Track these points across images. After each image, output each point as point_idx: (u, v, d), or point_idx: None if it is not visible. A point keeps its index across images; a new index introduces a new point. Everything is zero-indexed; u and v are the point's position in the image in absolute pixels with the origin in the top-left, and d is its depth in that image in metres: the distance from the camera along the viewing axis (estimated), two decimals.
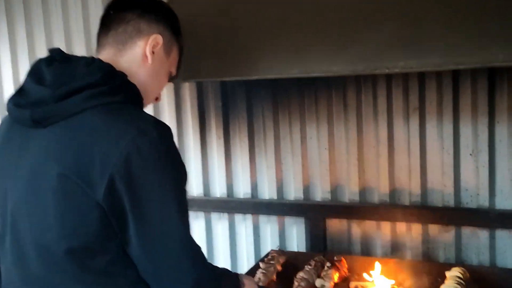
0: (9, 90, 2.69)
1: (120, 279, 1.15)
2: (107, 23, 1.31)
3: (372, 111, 2.18)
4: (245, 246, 2.46)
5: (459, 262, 2.09)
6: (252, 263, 2.32)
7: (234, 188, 2.46)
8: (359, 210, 2.24)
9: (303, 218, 2.34)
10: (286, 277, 2.05)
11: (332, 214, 2.29)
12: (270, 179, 2.38)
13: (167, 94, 2.47)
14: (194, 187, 2.50)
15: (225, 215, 2.48)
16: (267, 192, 2.39)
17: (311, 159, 2.30)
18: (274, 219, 2.40)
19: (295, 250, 2.35)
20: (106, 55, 1.28)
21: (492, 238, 2.08)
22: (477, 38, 1.52)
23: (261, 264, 2.08)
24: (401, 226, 2.19)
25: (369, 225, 2.24)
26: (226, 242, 2.49)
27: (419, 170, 2.13)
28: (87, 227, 1.11)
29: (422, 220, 2.15)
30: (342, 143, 2.24)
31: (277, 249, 2.27)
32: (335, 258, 2.08)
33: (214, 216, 2.51)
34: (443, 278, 1.87)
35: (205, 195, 2.50)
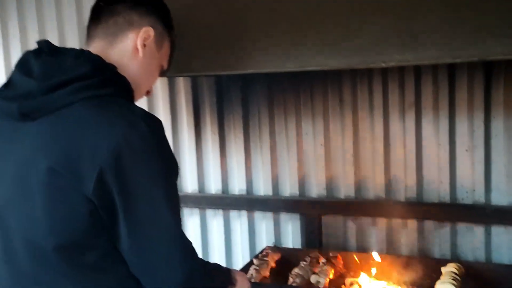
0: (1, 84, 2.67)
1: (110, 274, 1.14)
2: (98, 15, 1.30)
3: (368, 107, 2.16)
4: (240, 243, 2.45)
5: (454, 258, 2.09)
6: (247, 260, 2.30)
7: (229, 184, 2.44)
8: (355, 206, 2.23)
9: (299, 214, 2.33)
10: (281, 274, 2.05)
11: (328, 210, 2.28)
12: (265, 175, 2.37)
13: (161, 89, 2.45)
14: (189, 184, 2.48)
15: (220, 212, 2.47)
16: (262, 188, 2.38)
17: (307, 155, 2.29)
18: (269, 215, 2.39)
19: (291, 246, 2.34)
20: (96, 47, 1.26)
21: (487, 234, 2.07)
22: (474, 31, 1.50)
23: (254, 261, 2.07)
24: (397, 222, 2.19)
25: (365, 221, 2.23)
26: (221, 239, 2.47)
27: (415, 166, 2.13)
28: (76, 222, 1.09)
29: (417, 216, 2.14)
30: (337, 139, 2.23)
31: (272, 245, 2.26)
32: (330, 254, 2.08)
33: (209, 212, 2.49)
34: (438, 274, 1.87)
35: (200, 191, 2.48)
